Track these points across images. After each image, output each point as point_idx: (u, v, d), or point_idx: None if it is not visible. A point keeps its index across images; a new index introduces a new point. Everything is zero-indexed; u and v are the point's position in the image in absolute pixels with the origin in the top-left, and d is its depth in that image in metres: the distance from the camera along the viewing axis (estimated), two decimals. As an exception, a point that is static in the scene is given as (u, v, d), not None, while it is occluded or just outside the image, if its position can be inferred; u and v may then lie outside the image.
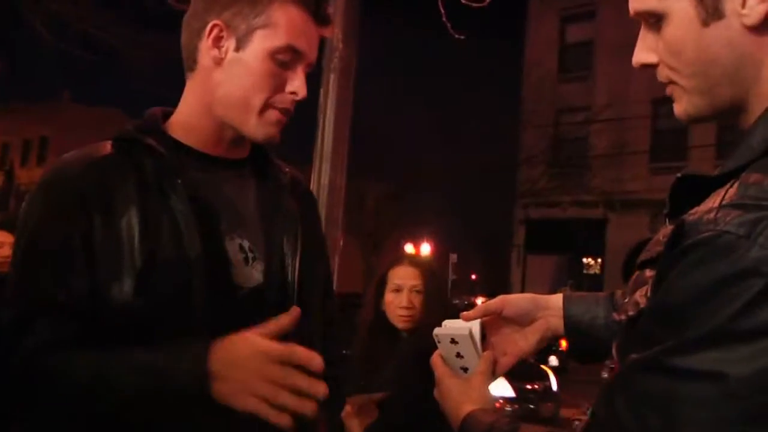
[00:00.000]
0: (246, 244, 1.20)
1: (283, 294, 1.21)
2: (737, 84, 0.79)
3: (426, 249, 24.62)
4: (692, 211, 0.72)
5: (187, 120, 1.21)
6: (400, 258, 2.60)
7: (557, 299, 1.15)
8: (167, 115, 1.23)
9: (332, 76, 3.67)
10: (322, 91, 3.73)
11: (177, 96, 1.27)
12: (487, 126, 17.90)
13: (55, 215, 1.10)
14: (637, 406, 0.69)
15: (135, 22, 9.41)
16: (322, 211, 3.51)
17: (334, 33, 3.62)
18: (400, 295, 2.40)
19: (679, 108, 0.84)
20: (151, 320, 1.07)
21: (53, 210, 1.10)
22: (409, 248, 25.15)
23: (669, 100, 0.84)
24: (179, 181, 1.11)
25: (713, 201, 0.71)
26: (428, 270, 2.52)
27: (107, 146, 1.15)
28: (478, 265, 25.55)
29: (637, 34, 0.86)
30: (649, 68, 0.85)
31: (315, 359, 0.98)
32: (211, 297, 1.09)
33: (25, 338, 1.03)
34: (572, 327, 1.12)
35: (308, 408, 0.96)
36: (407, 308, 2.38)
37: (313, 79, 3.08)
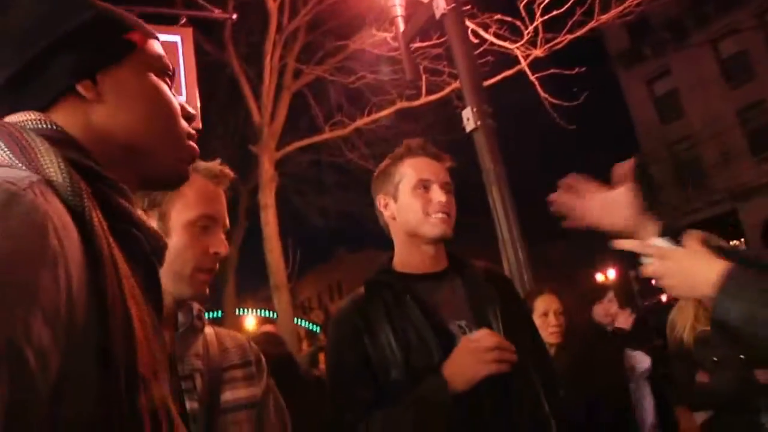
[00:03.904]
0: (463, 323, 1.55)
1: None
2: None
3: (612, 274, 28.99)
4: None
5: (400, 258, 1.65)
6: (542, 289, 2.93)
7: None
8: (392, 257, 1.67)
9: (493, 188, 4.30)
10: (490, 198, 4.35)
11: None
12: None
13: (341, 343, 1.55)
14: None
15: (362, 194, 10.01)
16: (516, 278, 3.94)
17: (485, 160, 4.23)
18: (548, 318, 2.73)
19: None
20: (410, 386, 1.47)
21: (340, 339, 1.56)
22: (599, 277, 28.41)
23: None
24: (408, 297, 1.53)
25: None
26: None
27: (362, 289, 1.60)
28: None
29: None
30: None
31: (505, 342, 1.40)
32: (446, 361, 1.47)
33: (341, 422, 1.50)
34: None
35: (504, 367, 1.36)
36: (556, 326, 2.73)
37: (482, 189, 4.17)
